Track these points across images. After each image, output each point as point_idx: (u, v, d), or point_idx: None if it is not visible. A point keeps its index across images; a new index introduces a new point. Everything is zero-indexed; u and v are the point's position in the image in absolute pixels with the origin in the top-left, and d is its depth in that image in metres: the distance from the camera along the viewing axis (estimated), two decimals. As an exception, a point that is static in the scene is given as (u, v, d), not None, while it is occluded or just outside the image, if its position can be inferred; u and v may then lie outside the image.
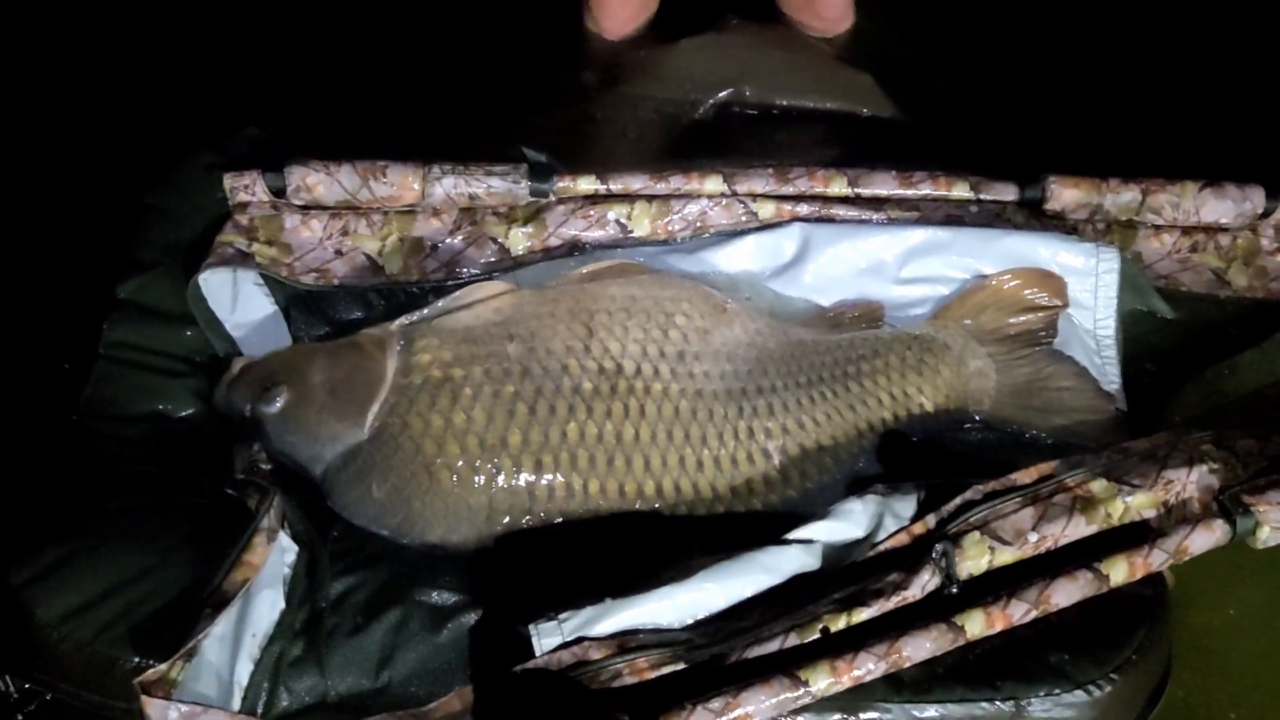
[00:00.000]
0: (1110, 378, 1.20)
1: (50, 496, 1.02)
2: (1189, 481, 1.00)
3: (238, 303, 1.19)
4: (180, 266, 1.18)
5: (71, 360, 1.14)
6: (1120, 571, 0.95)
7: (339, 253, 1.25)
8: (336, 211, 1.25)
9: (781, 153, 1.38)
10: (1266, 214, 1.28)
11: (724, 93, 1.53)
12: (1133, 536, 0.97)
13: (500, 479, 1.03)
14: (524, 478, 1.03)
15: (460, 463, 1.03)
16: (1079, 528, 0.97)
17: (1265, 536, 0.98)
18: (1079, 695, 0.91)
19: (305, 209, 1.24)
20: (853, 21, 1.65)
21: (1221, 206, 1.27)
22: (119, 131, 1.46)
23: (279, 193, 1.22)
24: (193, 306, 1.17)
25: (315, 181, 1.22)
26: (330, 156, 1.22)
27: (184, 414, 1.14)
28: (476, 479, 1.03)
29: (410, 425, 1.04)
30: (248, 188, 1.22)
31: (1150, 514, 0.99)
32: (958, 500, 0.98)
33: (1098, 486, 0.99)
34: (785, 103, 1.52)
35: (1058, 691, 0.91)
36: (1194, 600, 1.05)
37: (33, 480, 1.03)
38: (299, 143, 1.25)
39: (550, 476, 1.04)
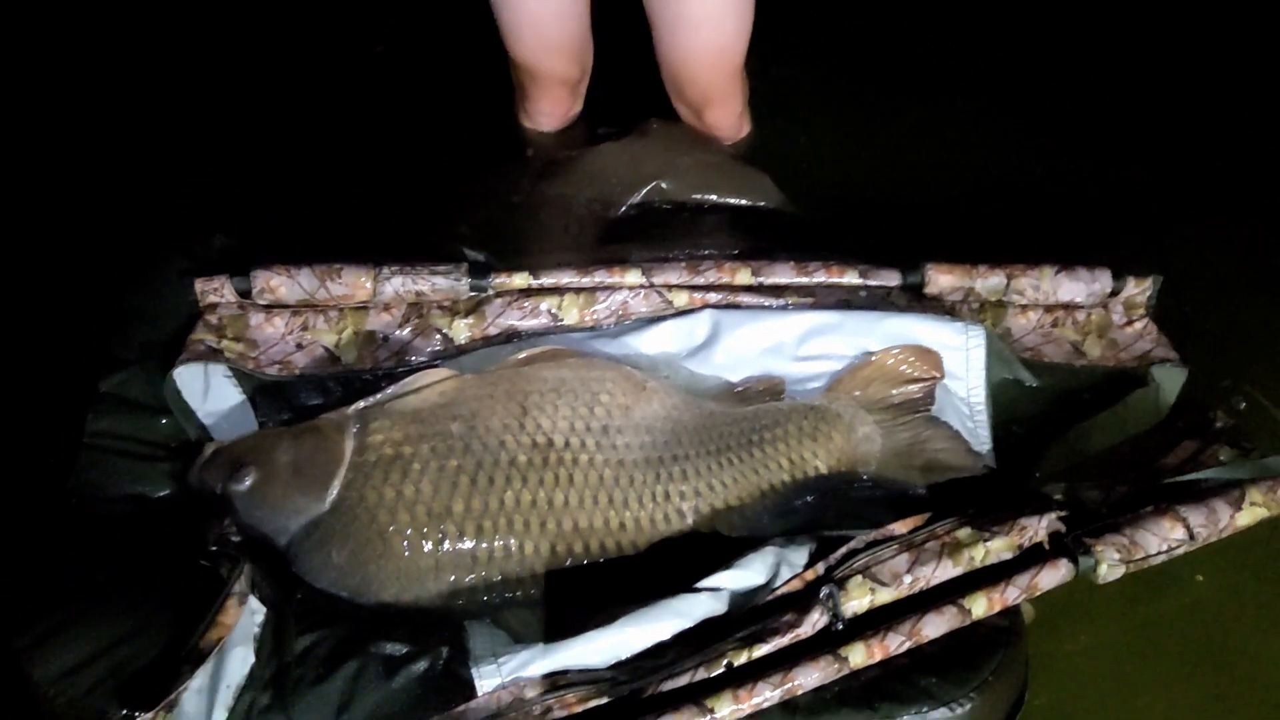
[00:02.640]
0: (982, 439, 1.37)
1: (45, 570, 1.12)
2: (1040, 527, 1.16)
3: (209, 393, 1.32)
4: (156, 362, 1.31)
5: (60, 449, 1.26)
6: (980, 606, 1.10)
7: (299, 346, 1.39)
8: (297, 309, 1.39)
9: (695, 241, 1.55)
10: (1115, 293, 1.46)
11: (645, 190, 1.71)
12: (992, 575, 1.13)
13: (446, 543, 1.16)
14: (467, 542, 1.17)
15: (410, 530, 1.16)
16: (947, 570, 1.12)
17: (1104, 573, 1.14)
18: (943, 712, 1.05)
19: (268, 308, 1.38)
20: (750, 128, 1.84)
21: (1075, 287, 1.46)
22: (98, 240, 1.60)
23: (245, 294, 1.37)
24: (168, 398, 1.29)
25: (277, 284, 1.36)
26: (290, 260, 1.37)
27: (161, 494, 1.26)
28: (425, 544, 1.16)
29: (366, 498, 1.18)
30: (217, 290, 1.36)
31: (1007, 555, 1.15)
32: (844, 549, 1.13)
33: (963, 533, 1.15)
34: (698, 198, 1.71)
35: (925, 709, 1.05)
36: (1053, 629, 1.20)
37: (29, 556, 1.14)
38: (262, 247, 1.40)
39: (490, 540, 1.17)
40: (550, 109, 1.86)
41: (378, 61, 2.00)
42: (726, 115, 1.81)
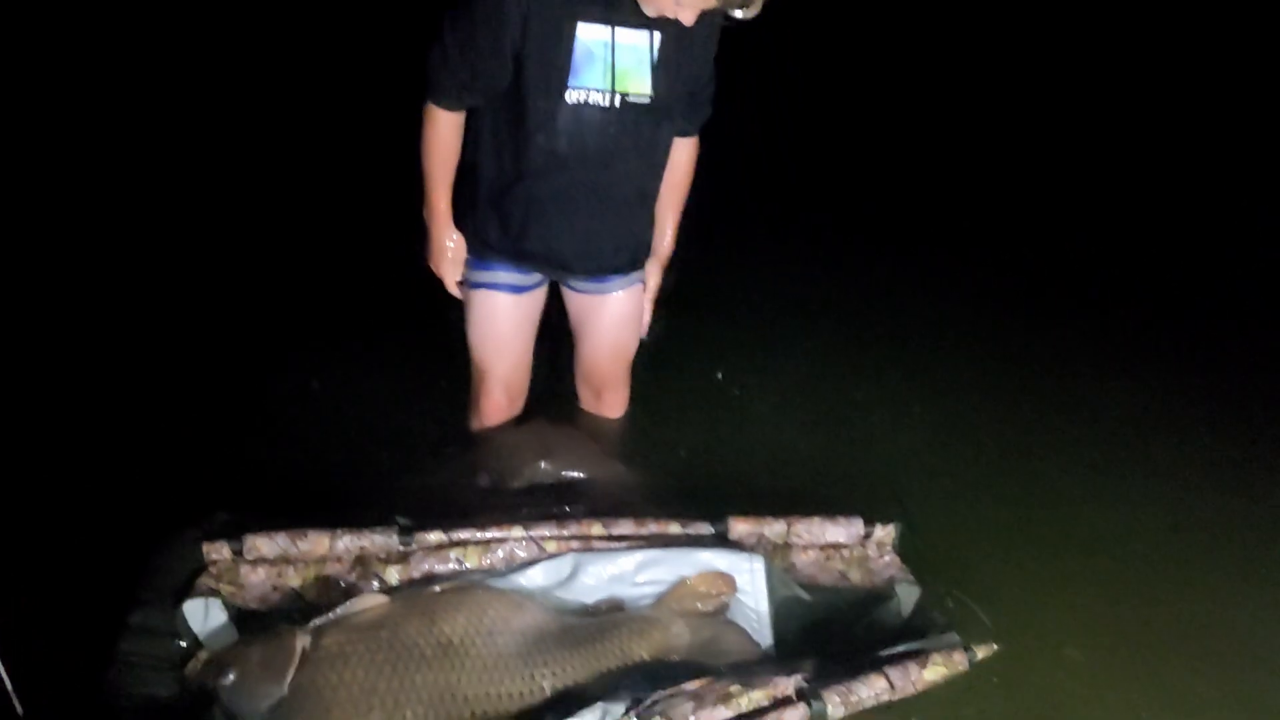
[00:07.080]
0: (766, 638, 1.89)
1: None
2: (788, 683, 1.67)
3: (207, 619, 1.83)
4: (170, 600, 1.84)
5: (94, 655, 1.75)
6: (743, 737, 1.60)
7: (274, 588, 1.93)
8: (274, 562, 1.94)
9: (564, 500, 2.14)
10: (868, 535, 2.06)
11: (529, 468, 2.31)
12: (752, 717, 1.62)
13: (373, 714, 1.65)
14: (387, 711, 1.65)
15: (347, 703, 1.65)
16: (720, 713, 1.61)
17: (831, 713, 1.63)
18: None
19: (254, 562, 1.93)
20: (627, 408, 2.50)
21: (836, 531, 2.05)
22: (136, 515, 2.15)
23: (238, 553, 1.92)
24: (179, 626, 1.81)
25: (261, 545, 1.92)
26: (270, 528, 1.93)
27: (169, 695, 1.73)
28: (357, 713, 1.65)
29: (315, 682, 1.67)
30: (217, 550, 1.92)
31: (764, 703, 1.65)
32: (649, 699, 1.63)
33: (734, 688, 1.65)
34: (567, 472, 2.32)
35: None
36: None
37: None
38: (250, 518, 1.97)
39: (404, 711, 1.65)
40: (493, 409, 2.45)
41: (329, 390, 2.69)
42: (618, 397, 2.48)
